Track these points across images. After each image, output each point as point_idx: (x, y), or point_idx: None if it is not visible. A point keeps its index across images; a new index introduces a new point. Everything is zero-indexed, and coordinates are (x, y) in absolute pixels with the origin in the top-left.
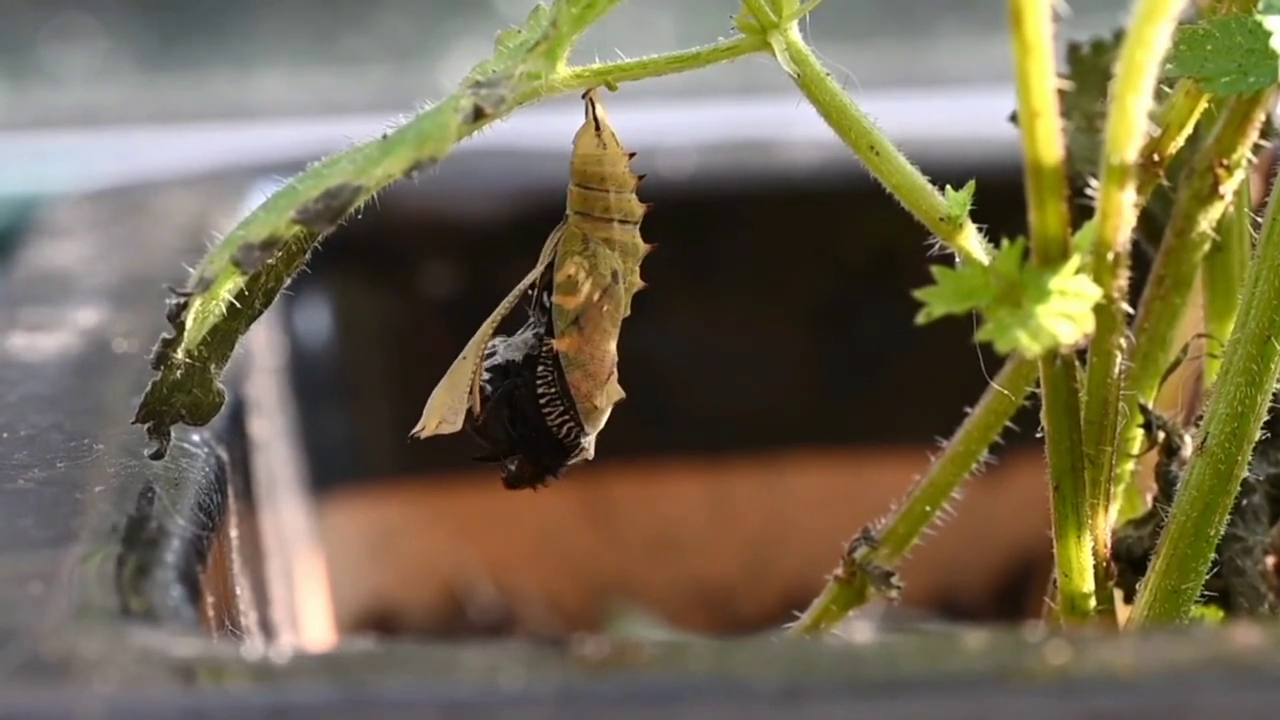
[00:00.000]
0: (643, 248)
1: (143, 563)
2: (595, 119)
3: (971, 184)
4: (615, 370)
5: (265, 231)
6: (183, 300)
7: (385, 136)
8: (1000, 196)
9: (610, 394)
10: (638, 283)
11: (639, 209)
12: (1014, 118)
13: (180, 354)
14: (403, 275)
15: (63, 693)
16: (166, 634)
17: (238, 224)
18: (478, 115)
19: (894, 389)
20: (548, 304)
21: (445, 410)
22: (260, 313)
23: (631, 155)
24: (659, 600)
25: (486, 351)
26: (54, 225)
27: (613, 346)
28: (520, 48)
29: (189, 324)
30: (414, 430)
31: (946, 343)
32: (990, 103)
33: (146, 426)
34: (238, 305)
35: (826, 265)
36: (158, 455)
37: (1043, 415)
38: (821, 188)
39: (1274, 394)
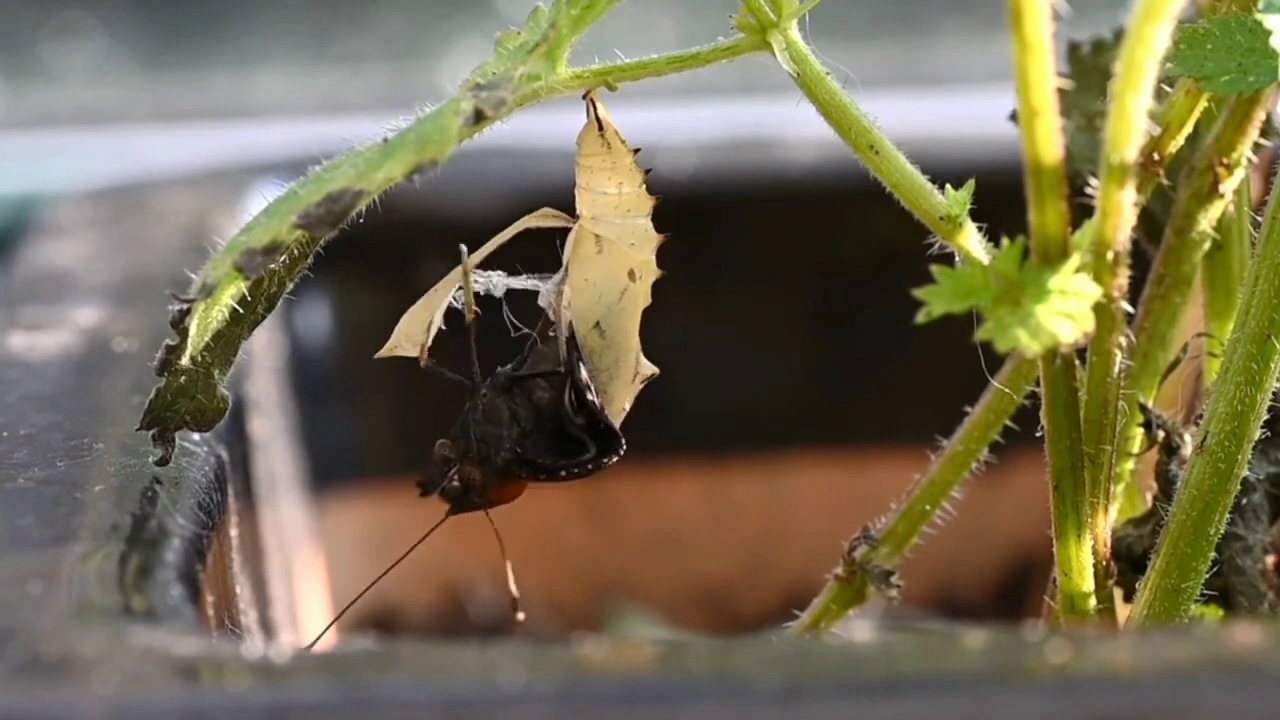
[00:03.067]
0: (656, 238)
1: (143, 562)
2: (597, 119)
3: (971, 183)
4: (639, 366)
5: (267, 237)
6: (185, 307)
7: (386, 140)
8: (1000, 195)
9: (632, 392)
10: (656, 271)
11: (649, 202)
12: (1014, 117)
13: (184, 360)
14: (403, 275)
15: (62, 692)
16: (166, 633)
17: (239, 229)
18: (478, 118)
19: (894, 388)
20: (563, 334)
21: (405, 335)
22: (263, 318)
23: (636, 151)
24: (659, 600)
25: (480, 282)
26: (54, 224)
27: (636, 342)
28: (520, 49)
29: (192, 330)
30: (382, 352)
31: (946, 342)
32: (990, 102)
33: (151, 433)
34: (240, 310)
35: (826, 264)
36: (163, 461)
37: (1042, 414)
38: (821, 187)
39: (1274, 393)
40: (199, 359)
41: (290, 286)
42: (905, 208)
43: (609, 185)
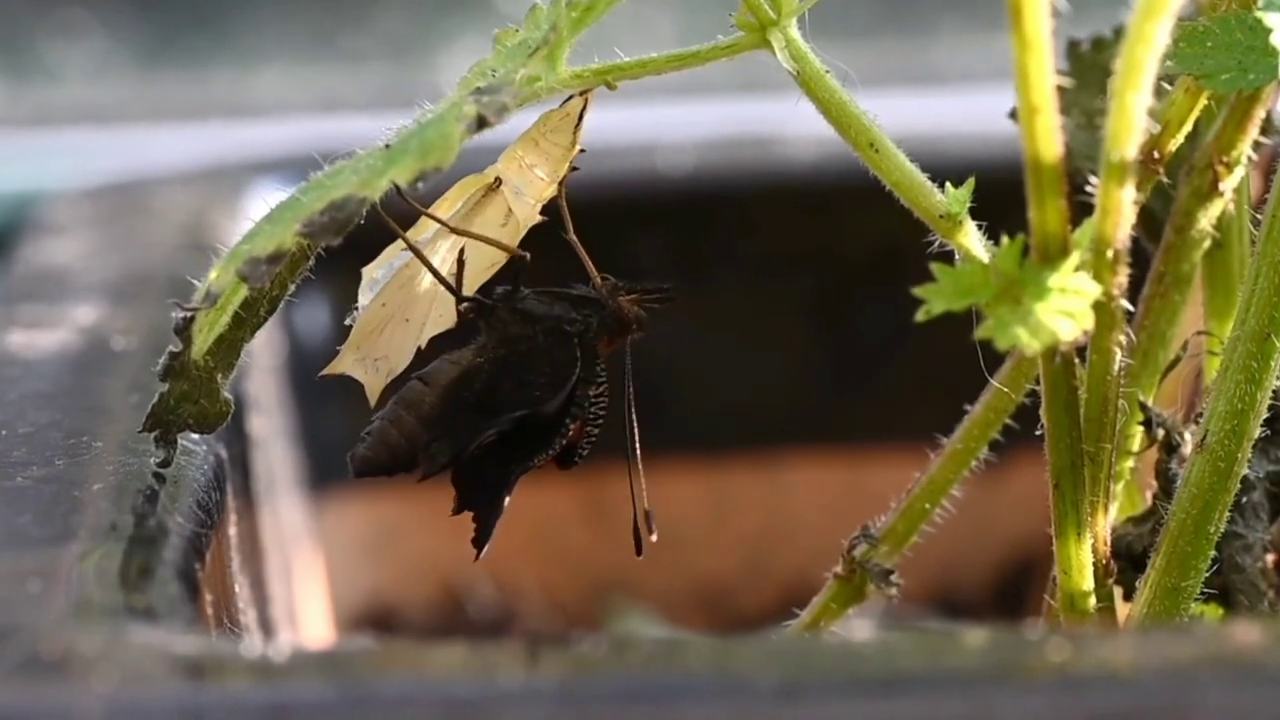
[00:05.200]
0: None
1: (141, 561)
2: (580, 115)
3: (971, 181)
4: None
5: (271, 245)
6: (189, 315)
7: (388, 145)
8: (1000, 193)
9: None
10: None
11: (549, 196)
12: (1014, 114)
13: (188, 366)
14: None
15: (61, 691)
16: (165, 632)
17: (243, 236)
18: (481, 124)
19: (894, 387)
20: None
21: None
22: (265, 320)
23: (578, 151)
24: (658, 598)
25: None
26: (53, 222)
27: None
28: (519, 48)
29: (195, 338)
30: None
31: (946, 340)
32: (990, 99)
33: (153, 435)
34: (243, 314)
35: (826, 262)
36: (165, 463)
37: (1042, 413)
38: (821, 185)
39: (1274, 391)
40: (202, 364)
41: (292, 289)
42: (905, 206)
43: (551, 176)
